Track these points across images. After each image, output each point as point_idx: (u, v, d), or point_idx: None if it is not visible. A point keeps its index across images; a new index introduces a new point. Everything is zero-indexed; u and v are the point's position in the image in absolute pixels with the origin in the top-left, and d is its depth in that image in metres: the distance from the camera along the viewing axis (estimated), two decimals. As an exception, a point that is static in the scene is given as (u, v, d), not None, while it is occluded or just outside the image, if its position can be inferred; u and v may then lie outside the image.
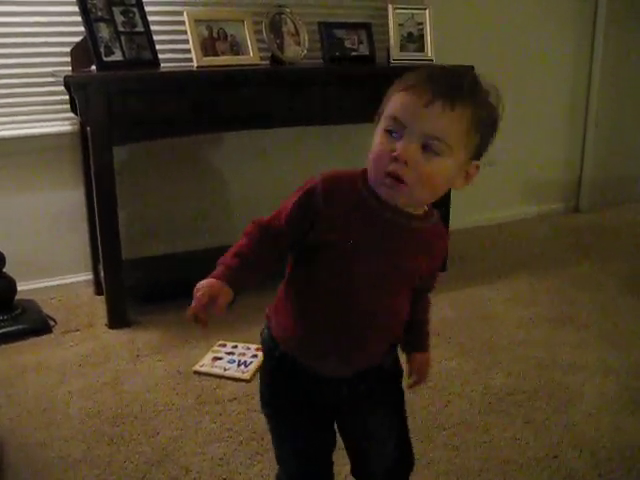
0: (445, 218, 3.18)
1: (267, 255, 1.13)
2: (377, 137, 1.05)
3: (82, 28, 2.49)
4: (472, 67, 1.02)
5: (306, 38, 3.01)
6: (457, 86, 1.01)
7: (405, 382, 1.28)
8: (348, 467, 1.34)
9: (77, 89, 2.38)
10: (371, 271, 1.09)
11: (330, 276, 1.10)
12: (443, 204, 3.08)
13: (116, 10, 2.54)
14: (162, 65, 2.66)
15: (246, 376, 2.18)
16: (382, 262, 1.09)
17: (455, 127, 0.99)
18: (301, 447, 1.25)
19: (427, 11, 3.22)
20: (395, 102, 1.03)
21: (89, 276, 2.95)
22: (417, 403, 1.98)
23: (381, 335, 1.17)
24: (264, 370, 1.26)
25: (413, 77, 1.03)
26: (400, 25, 3.17)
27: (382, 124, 1.04)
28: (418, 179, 1.00)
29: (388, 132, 1.02)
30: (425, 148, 0.99)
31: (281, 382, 1.21)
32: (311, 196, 1.08)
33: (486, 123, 1.04)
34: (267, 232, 1.12)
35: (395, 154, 0.99)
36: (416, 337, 1.28)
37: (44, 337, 2.49)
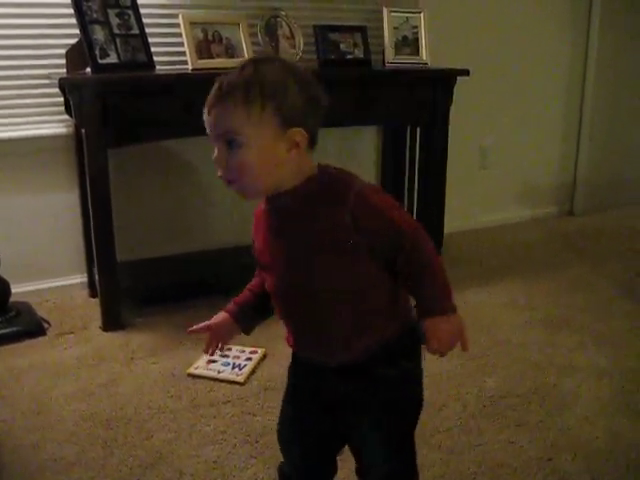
0: (439, 221, 3.19)
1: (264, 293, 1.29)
2: None
3: (77, 30, 2.49)
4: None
5: (301, 41, 3.02)
6: (225, 85, 1.09)
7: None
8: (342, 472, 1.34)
9: (72, 91, 2.38)
10: (292, 260, 1.16)
11: (269, 280, 1.22)
12: (437, 207, 3.12)
13: (111, 12, 2.54)
14: (157, 67, 2.67)
15: (240, 379, 2.18)
16: (295, 249, 1.15)
17: (233, 116, 1.07)
18: (306, 438, 1.31)
19: (422, 14, 3.23)
20: None
21: (84, 278, 2.94)
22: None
23: (341, 323, 1.16)
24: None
25: None
26: (395, 28, 3.18)
27: None
28: (237, 173, 1.09)
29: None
30: (229, 147, 1.08)
31: (295, 372, 1.32)
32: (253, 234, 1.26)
33: (272, 94, 1.07)
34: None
35: (213, 160, 1.11)
36: (418, 304, 1.16)
37: (38, 339, 2.49)
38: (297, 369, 1.31)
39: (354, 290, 1.14)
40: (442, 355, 1.17)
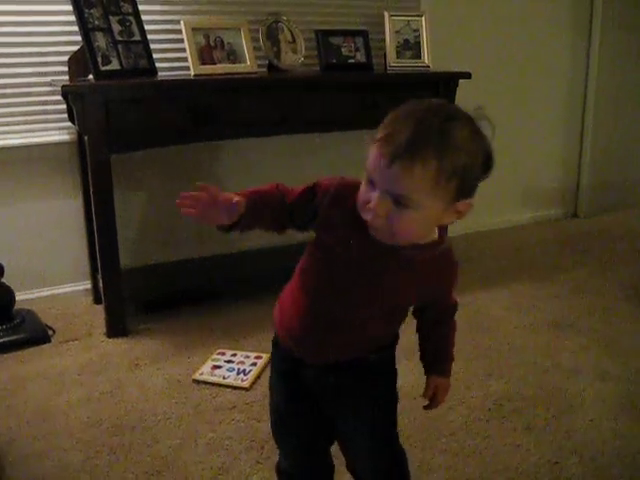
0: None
1: (272, 211, 1.17)
2: (363, 181, 1.07)
3: (79, 37, 2.49)
4: (455, 107, 1.05)
5: (303, 46, 3.02)
6: (418, 141, 0.98)
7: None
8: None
9: (74, 98, 2.38)
10: (349, 283, 1.15)
11: (315, 274, 1.19)
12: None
13: (113, 19, 2.54)
14: (159, 74, 2.67)
15: (245, 384, 2.17)
16: (362, 279, 1.14)
17: (419, 184, 0.99)
18: (298, 425, 1.33)
19: (423, 18, 3.23)
20: (370, 156, 1.04)
21: (88, 285, 2.94)
22: (417, 410, 1.97)
23: (348, 342, 1.21)
24: (271, 359, 1.37)
25: (383, 128, 1.03)
26: (396, 32, 3.18)
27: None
28: (393, 230, 1.04)
29: (369, 181, 1.05)
30: (396, 202, 1.01)
31: (281, 360, 1.31)
32: (321, 194, 1.15)
33: (462, 169, 1.00)
34: (281, 198, 1.17)
35: (370, 206, 1.03)
36: (430, 360, 1.32)
37: (43, 347, 2.48)
38: (283, 358, 1.30)
39: (389, 319, 1.23)
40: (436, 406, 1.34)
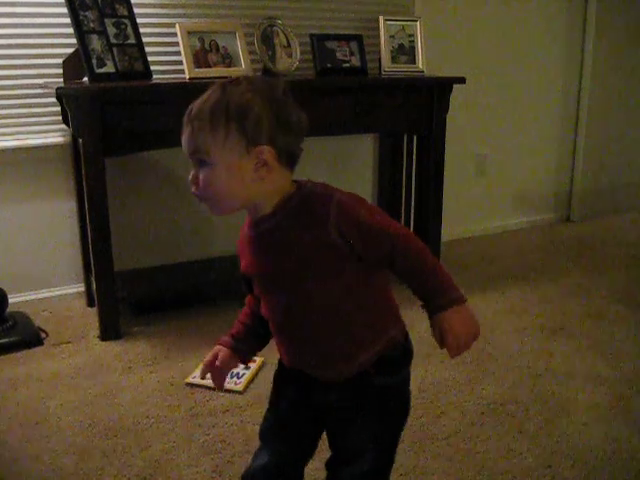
0: (437, 229, 3.20)
1: (253, 323, 1.34)
2: None
3: (74, 39, 2.49)
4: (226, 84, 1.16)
5: (298, 50, 3.03)
6: (191, 109, 1.13)
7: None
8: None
9: (69, 101, 2.39)
10: (276, 285, 1.20)
11: (264, 303, 1.25)
12: (435, 215, 3.12)
13: (108, 22, 2.55)
14: (154, 77, 2.67)
15: (239, 387, 2.17)
16: (284, 271, 1.16)
17: (199, 138, 1.11)
18: (288, 444, 1.32)
19: (418, 23, 3.24)
20: None
21: (81, 288, 2.94)
22: (410, 414, 1.97)
23: (336, 340, 1.18)
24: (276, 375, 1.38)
25: None
26: (391, 37, 3.19)
27: None
28: (204, 189, 1.13)
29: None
30: (200, 165, 1.12)
31: (284, 381, 1.32)
32: (238, 252, 1.29)
33: (228, 117, 1.09)
34: (248, 307, 1.37)
35: (189, 178, 1.15)
36: (425, 304, 1.17)
37: (36, 349, 2.48)
38: (287, 379, 1.30)
39: (346, 306, 1.16)
40: (460, 352, 1.15)
